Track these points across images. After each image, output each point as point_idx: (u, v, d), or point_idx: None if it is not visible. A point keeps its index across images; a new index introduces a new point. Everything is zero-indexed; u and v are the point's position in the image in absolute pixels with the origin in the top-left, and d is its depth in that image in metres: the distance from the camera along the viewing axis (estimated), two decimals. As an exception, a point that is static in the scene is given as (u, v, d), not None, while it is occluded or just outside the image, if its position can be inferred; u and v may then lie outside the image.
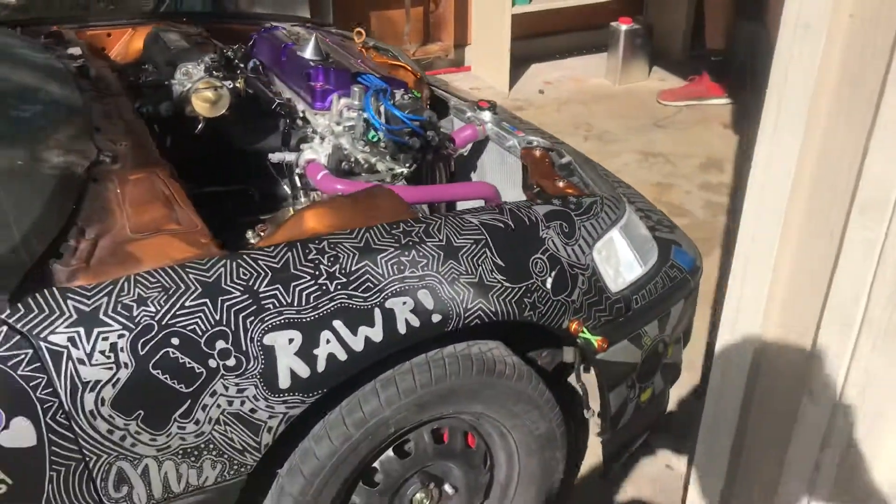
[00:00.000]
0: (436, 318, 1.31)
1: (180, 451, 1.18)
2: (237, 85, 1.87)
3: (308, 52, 2.04)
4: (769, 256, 1.10)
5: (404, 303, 1.29)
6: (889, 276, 0.93)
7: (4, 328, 1.06)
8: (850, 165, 0.94)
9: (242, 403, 1.19)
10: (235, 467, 1.23)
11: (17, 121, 1.46)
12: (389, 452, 1.45)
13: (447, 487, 1.56)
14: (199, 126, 1.84)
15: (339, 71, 1.98)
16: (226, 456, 1.22)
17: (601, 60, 4.62)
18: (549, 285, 1.43)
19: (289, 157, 1.95)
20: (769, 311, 1.11)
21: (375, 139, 1.95)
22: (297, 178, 1.97)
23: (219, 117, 1.86)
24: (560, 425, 1.60)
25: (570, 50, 4.89)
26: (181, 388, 1.15)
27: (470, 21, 4.44)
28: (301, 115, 2.03)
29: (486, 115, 2.10)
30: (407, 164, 1.97)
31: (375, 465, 1.45)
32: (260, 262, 1.23)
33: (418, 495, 1.52)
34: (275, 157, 1.95)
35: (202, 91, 1.80)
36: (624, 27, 4.33)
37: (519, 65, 4.47)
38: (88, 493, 1.14)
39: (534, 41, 4.65)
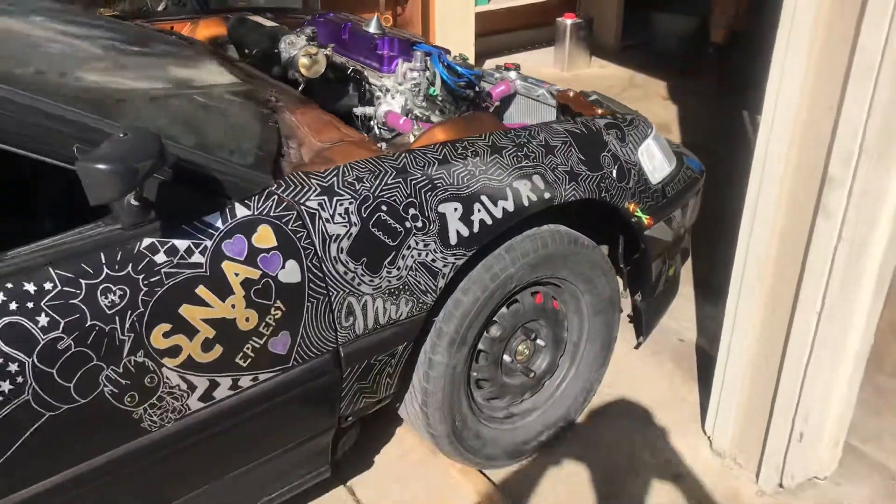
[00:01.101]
0: (546, 195, 1.80)
1: (387, 291, 1.62)
2: (327, 53, 2.31)
3: (372, 28, 2.50)
4: (788, 122, 1.64)
5: (525, 184, 1.77)
6: (877, 122, 1.49)
7: (276, 197, 1.48)
8: (843, 50, 1.50)
9: (426, 255, 1.64)
10: (420, 305, 1.68)
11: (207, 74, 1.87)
12: (504, 309, 1.92)
13: (539, 341, 2.04)
14: (301, 86, 2.27)
15: (401, 40, 2.44)
16: (415, 296, 1.66)
17: (547, 53, 5.22)
18: (614, 175, 1.94)
19: (368, 110, 2.40)
20: (789, 156, 1.65)
21: (434, 94, 2.43)
22: (374, 126, 2.41)
23: (312, 80, 2.29)
24: (618, 291, 2.11)
25: (517, 46, 5.48)
26: (389, 241, 1.59)
27: (433, 22, 4.95)
28: (366, 78, 2.48)
29: (513, 74, 2.61)
30: (454, 116, 2.45)
31: (495, 318, 1.91)
32: (429, 155, 1.69)
33: (521, 346, 1.99)
34: (358, 110, 2.40)
35: (305, 56, 2.22)
36: (569, 21, 4.94)
37: (475, 61, 5.00)
38: (328, 322, 1.56)
39: (486, 39, 5.20)
